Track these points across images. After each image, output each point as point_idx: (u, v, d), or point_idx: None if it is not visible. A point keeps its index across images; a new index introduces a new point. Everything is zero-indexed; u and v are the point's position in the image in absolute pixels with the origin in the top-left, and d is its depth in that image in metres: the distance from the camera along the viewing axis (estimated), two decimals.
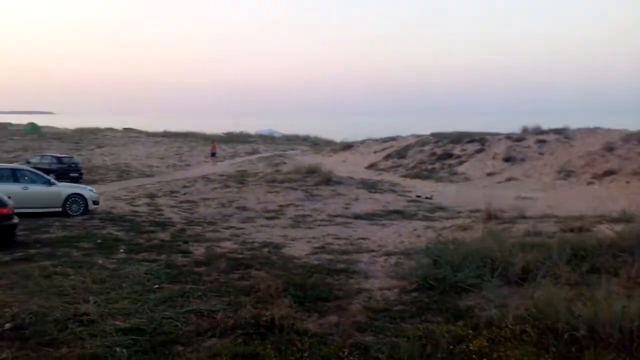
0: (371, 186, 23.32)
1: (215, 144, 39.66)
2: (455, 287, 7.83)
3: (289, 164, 32.94)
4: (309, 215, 17.04)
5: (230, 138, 57.48)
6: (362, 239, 13.38)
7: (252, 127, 76.78)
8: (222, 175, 28.13)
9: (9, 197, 12.83)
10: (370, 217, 16.94)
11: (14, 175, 16.56)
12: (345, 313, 7.32)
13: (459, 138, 33.17)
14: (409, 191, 22.92)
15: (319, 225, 15.54)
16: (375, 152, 37.02)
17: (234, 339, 6.25)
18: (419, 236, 13.27)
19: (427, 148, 33.34)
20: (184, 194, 21.78)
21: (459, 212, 17.35)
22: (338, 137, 55.09)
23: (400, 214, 17.37)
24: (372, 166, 33.22)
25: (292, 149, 49.26)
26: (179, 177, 29.33)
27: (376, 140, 40.54)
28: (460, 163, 29.25)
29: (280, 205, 18.66)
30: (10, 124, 68.71)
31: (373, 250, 11.82)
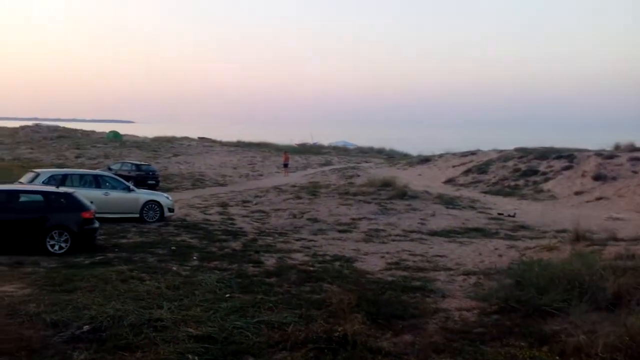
0: (449, 202, 22.77)
1: (288, 155, 40.23)
2: (540, 310, 7.54)
3: (363, 177, 32.84)
4: (383, 230, 16.88)
5: (304, 149, 58.17)
6: (439, 256, 13.08)
7: (325, 138, 77.47)
8: (294, 186, 28.43)
9: (91, 202, 13.62)
10: (447, 234, 16.54)
11: (96, 181, 17.59)
12: (421, 333, 7.16)
13: (544, 154, 31.82)
14: (490, 208, 22.19)
15: (393, 241, 15.35)
16: (453, 166, 36.20)
17: (305, 353, 6.26)
18: (500, 256, 12.81)
19: (510, 163, 32.22)
20: (256, 204, 22.21)
21: (544, 232, 16.59)
22: (414, 150, 54.40)
23: (480, 232, 16.83)
24: (450, 181, 32.49)
25: (366, 162, 49.12)
26: (251, 187, 29.97)
27: (455, 154, 39.64)
28: (546, 180, 28.01)
29: (353, 219, 18.60)
30: (93, 132, 73.13)
31: (451, 269, 11.53)
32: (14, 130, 71.47)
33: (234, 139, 64.06)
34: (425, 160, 40.75)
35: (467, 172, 33.33)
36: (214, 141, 62.85)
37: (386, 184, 24.44)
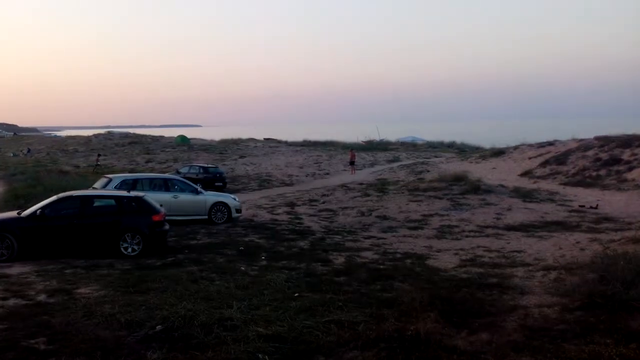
0: (526, 195, 21.98)
1: (354, 152, 40.17)
2: (627, 305, 7.20)
3: (433, 172, 32.32)
4: (456, 226, 16.50)
5: (370, 146, 57.96)
6: (517, 251, 12.64)
7: (392, 134, 76.82)
8: (361, 183, 28.39)
9: (161, 205, 14.13)
10: (525, 228, 15.94)
11: (166, 185, 18.28)
12: (498, 331, 6.93)
13: (628, 141, 30.07)
14: (570, 200, 21.23)
15: (467, 237, 14.98)
16: (530, 158, 34.89)
17: (377, 352, 6.19)
18: (582, 249, 12.22)
19: (590, 153, 30.69)
20: (323, 203, 22.29)
21: (629, 224, 15.67)
22: (486, 143, 52.91)
23: (560, 225, 16.12)
24: (526, 173, 31.34)
25: (436, 156, 48.30)
26: (318, 185, 30.14)
27: (531, 145, 38.20)
28: (630, 169, 26.45)
29: (424, 215, 18.31)
30: (162, 137, 76.00)
31: (529, 264, 11.11)
32: (88, 139, 75.45)
33: (299, 138, 64.74)
34: (499, 152, 39.51)
35: (544, 164, 32.04)
36: (280, 141, 63.75)
37: (458, 179, 23.91)
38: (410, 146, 60.24)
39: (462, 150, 54.28)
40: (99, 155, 44.03)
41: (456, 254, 12.61)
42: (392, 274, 10.41)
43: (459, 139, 65.85)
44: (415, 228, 16.50)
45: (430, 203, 20.19)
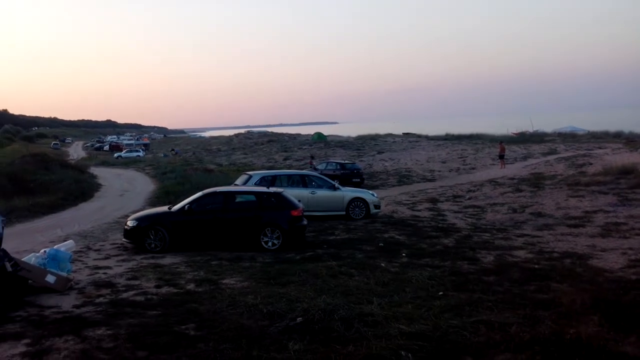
0: None
1: (503, 145, 38.59)
2: None
3: (596, 165, 30.06)
4: (624, 223, 15.23)
5: (522, 138, 55.35)
6: None
7: (548, 125, 72.73)
8: (512, 178, 27.30)
9: (299, 201, 14.72)
10: None
11: (303, 181, 19.00)
12: None
13: None
14: None
15: (638, 235, 13.76)
16: None
17: (531, 355, 5.94)
18: None
19: None
20: (469, 199, 21.76)
21: None
22: None
23: None
24: None
25: (600, 148, 44.81)
26: (463, 181, 29.45)
27: None
28: None
29: (586, 212, 17.15)
30: (299, 135, 78.89)
31: None
32: (229, 138, 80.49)
33: (441, 132, 63.59)
34: None
35: None
36: (420, 136, 63.13)
37: (626, 171, 22.13)
38: (569, 137, 56.46)
39: (631, 140, 49.77)
40: (172, 150, 51.91)
41: (624, 253, 11.68)
42: (548, 274, 9.93)
43: (626, 127, 60.48)
44: (575, 226, 15.51)
45: (594, 198, 18.90)
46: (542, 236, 14.33)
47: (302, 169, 33.19)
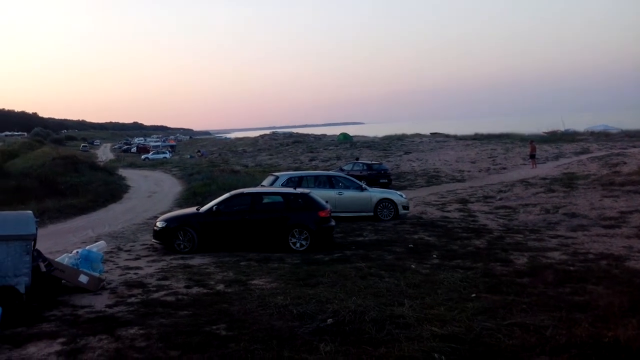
0: None
1: (534, 145, 38.11)
2: None
3: (631, 164, 29.48)
4: None
5: (554, 137, 54.56)
6: None
7: (580, 125, 71.59)
8: (544, 178, 26.95)
9: (326, 202, 14.73)
10: None
11: (330, 182, 19.01)
12: None
13: None
14: None
15: None
16: None
17: (568, 358, 5.86)
18: None
19: None
20: (500, 199, 21.54)
21: None
22: None
23: None
24: None
25: (634, 147, 43.96)
26: (494, 181, 29.16)
27: None
28: None
29: (622, 212, 16.85)
30: (324, 136, 78.96)
31: None
32: (255, 139, 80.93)
33: (469, 132, 63.01)
34: None
35: None
36: (448, 135, 62.64)
37: None
38: (602, 136, 55.47)
39: None
40: (198, 151, 52.85)
41: None
42: (584, 276, 9.80)
43: None
44: (611, 226, 15.26)
45: (629, 198, 18.56)
46: (576, 237, 14.12)
47: (328, 170, 33.22)
